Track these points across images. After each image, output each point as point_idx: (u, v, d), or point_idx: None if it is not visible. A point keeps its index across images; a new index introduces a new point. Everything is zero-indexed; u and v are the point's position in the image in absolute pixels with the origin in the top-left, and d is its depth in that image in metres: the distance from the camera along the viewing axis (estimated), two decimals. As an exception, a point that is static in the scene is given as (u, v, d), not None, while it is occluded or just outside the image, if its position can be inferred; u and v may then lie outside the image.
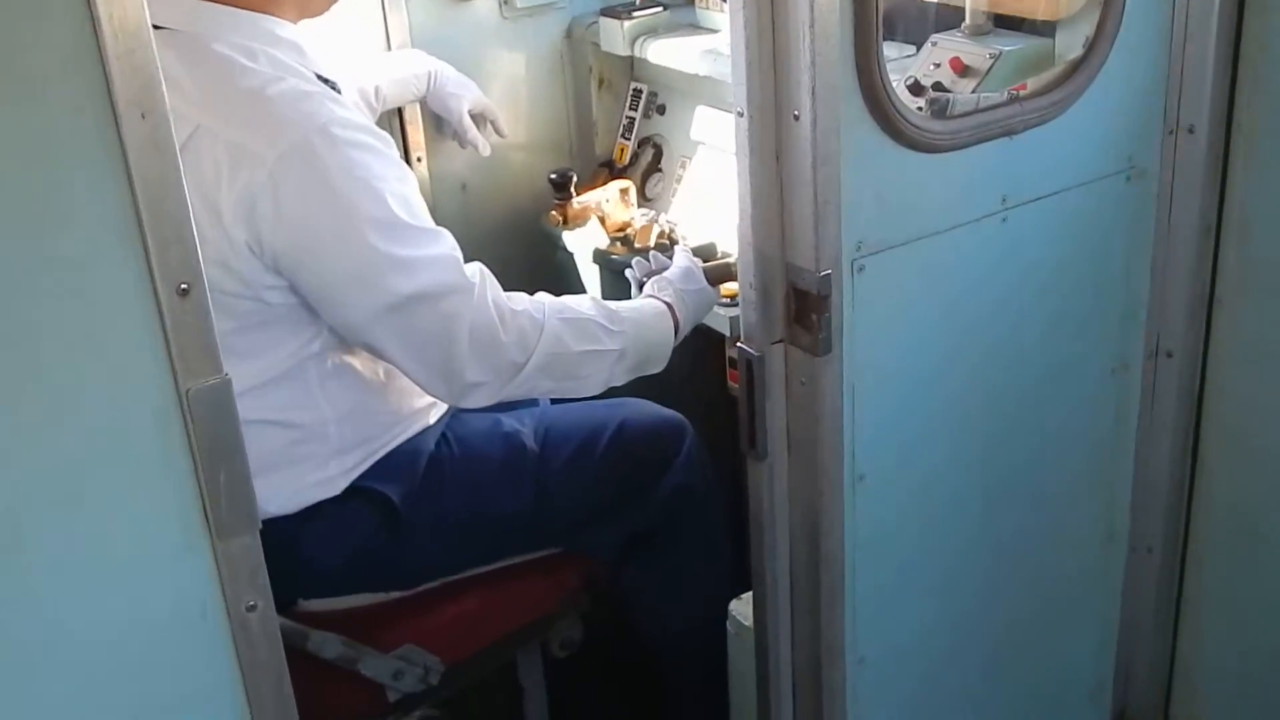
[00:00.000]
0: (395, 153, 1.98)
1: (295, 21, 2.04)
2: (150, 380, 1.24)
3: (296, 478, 2.09)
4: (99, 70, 1.13)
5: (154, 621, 1.34)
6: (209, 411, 1.27)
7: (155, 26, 1.88)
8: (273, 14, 2.00)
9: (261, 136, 1.84)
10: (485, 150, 2.90)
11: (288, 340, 2.02)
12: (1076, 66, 1.90)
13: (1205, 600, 2.30)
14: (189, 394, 1.25)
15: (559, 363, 2.07)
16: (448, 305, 1.95)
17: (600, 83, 3.11)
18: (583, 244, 2.82)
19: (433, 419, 2.24)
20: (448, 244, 1.99)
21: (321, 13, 2.10)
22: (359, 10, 2.73)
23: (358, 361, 2.11)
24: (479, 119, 2.89)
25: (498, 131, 2.93)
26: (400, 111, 2.88)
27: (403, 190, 1.94)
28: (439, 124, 2.93)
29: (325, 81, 2.01)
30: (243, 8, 1.96)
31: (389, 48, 2.84)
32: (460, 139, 2.88)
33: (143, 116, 1.15)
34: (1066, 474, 2.17)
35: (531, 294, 2.13)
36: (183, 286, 1.22)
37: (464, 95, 2.85)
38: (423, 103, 2.86)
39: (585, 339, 2.10)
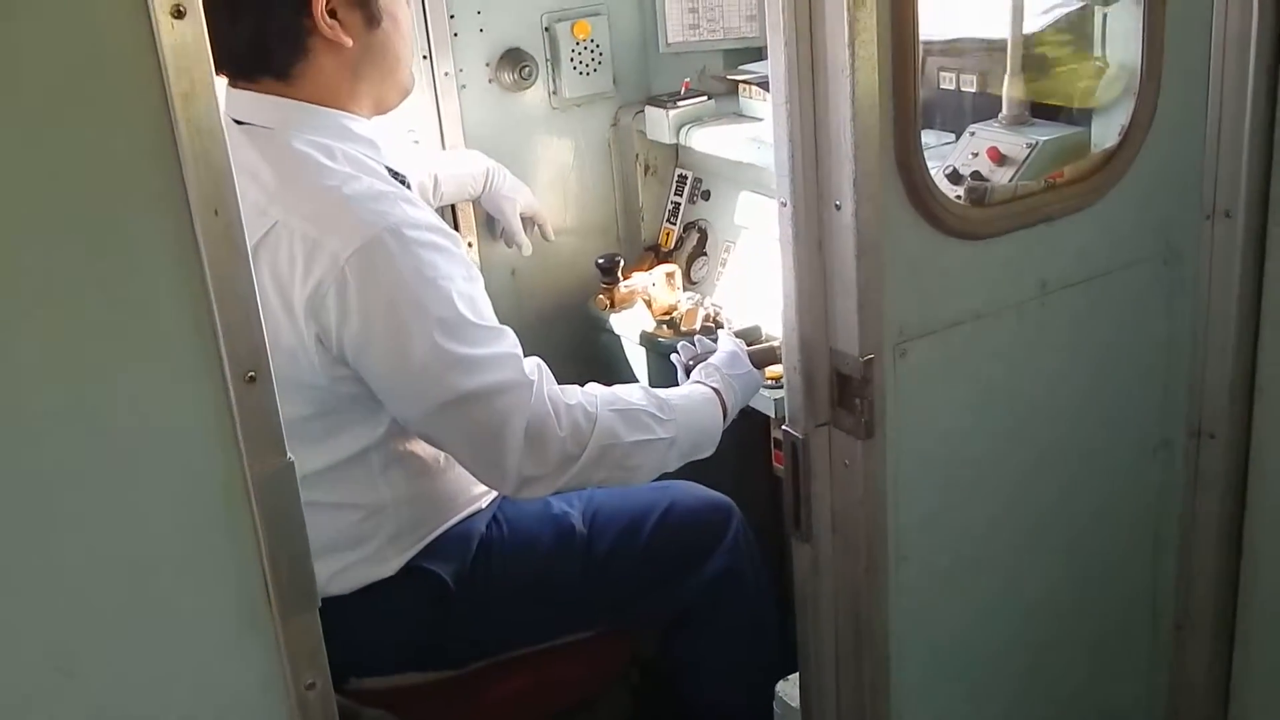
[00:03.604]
0: (463, 251, 2.05)
1: (370, 117, 2.12)
2: (218, 464, 1.28)
3: (354, 559, 2.14)
4: (175, 169, 1.18)
5: (216, 698, 1.37)
6: (273, 494, 1.31)
7: (239, 122, 2.01)
8: (350, 111, 2.08)
9: (336, 234, 1.90)
10: (527, 250, 2.97)
11: (354, 427, 2.08)
12: (1112, 154, 1.93)
13: (1253, 679, 2.28)
14: (254, 477, 1.30)
15: (612, 454, 2.11)
16: (506, 402, 2.00)
17: (646, 169, 3.18)
18: (629, 327, 2.86)
19: (485, 503, 2.29)
20: (509, 342, 2.04)
21: (394, 108, 2.19)
22: (413, 100, 2.81)
23: (419, 449, 2.16)
24: (528, 221, 2.97)
25: (544, 235, 3.01)
26: (453, 201, 2.96)
27: (469, 290, 2.00)
28: (489, 222, 3.01)
29: (396, 175, 2.09)
30: (322, 105, 2.05)
31: (442, 135, 2.91)
32: (508, 239, 2.96)
33: (216, 213, 1.20)
34: (1110, 553, 2.17)
35: (580, 378, 2.17)
36: (250, 375, 1.26)
37: (516, 199, 2.92)
38: (476, 201, 2.94)
39: (637, 429, 2.14)
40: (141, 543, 1.28)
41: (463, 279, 1.99)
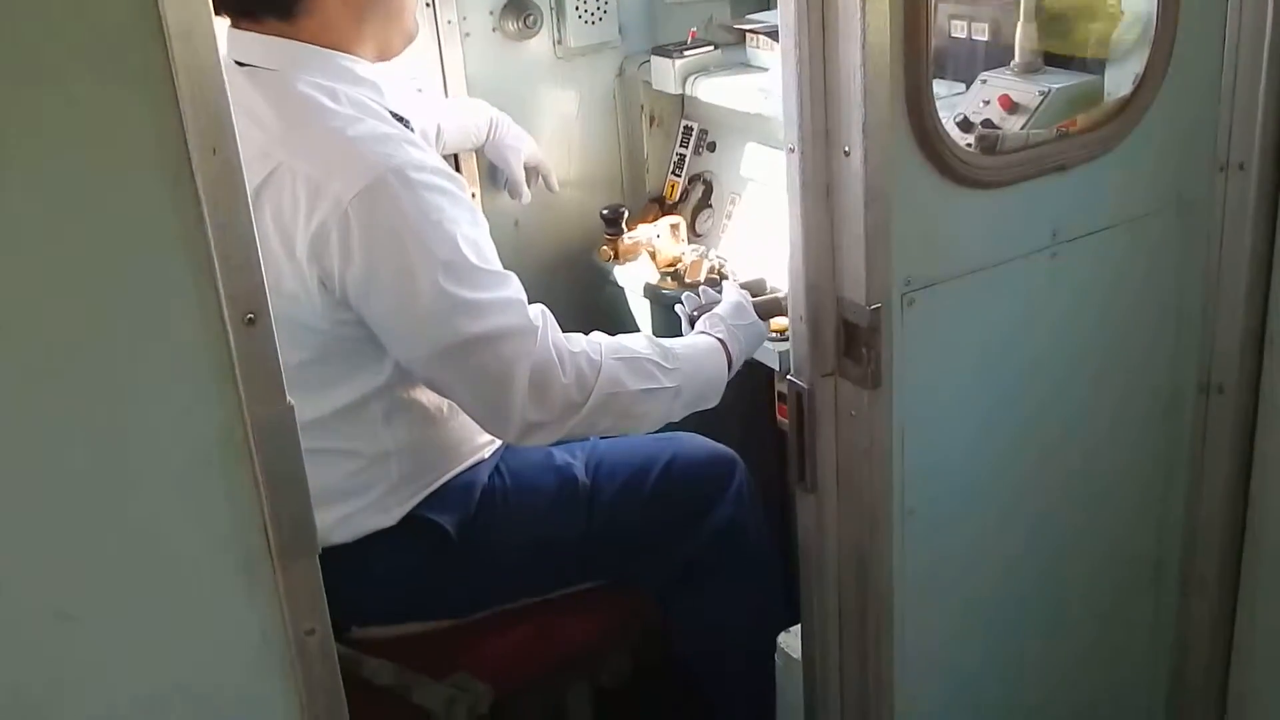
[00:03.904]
0: (468, 195, 2.04)
1: (373, 61, 2.10)
2: (217, 407, 1.27)
3: (356, 508, 2.13)
4: (173, 107, 1.16)
5: (216, 644, 1.37)
6: (273, 438, 1.29)
7: (240, 64, 1.99)
8: (353, 53, 2.06)
9: (339, 176, 1.88)
10: (527, 199, 2.96)
11: (357, 373, 2.06)
12: (1126, 104, 1.91)
13: (1257, 636, 2.27)
14: (254, 421, 1.28)
15: (617, 402, 2.09)
16: (510, 347, 1.98)
17: (651, 120, 3.15)
18: (634, 279, 2.85)
19: (487, 453, 2.28)
20: (514, 287, 2.02)
21: (396, 55, 2.17)
22: (416, 48, 2.78)
23: (422, 396, 2.15)
24: (531, 172, 2.94)
25: (548, 186, 2.99)
26: (455, 150, 2.93)
27: (473, 233, 1.98)
28: (492, 172, 2.98)
29: (399, 119, 2.07)
30: (325, 47, 2.02)
31: (445, 85, 2.89)
32: (511, 189, 2.93)
33: (214, 152, 1.18)
34: (1116, 505, 2.17)
35: (584, 329, 2.16)
36: (249, 316, 1.25)
37: (520, 148, 2.90)
38: (479, 150, 2.91)
39: (642, 378, 2.12)
40: (139, 488, 1.26)
41: (468, 223, 1.97)
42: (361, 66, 2.07)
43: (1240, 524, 2.22)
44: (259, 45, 2.01)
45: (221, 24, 2.00)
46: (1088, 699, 2.31)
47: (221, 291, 1.23)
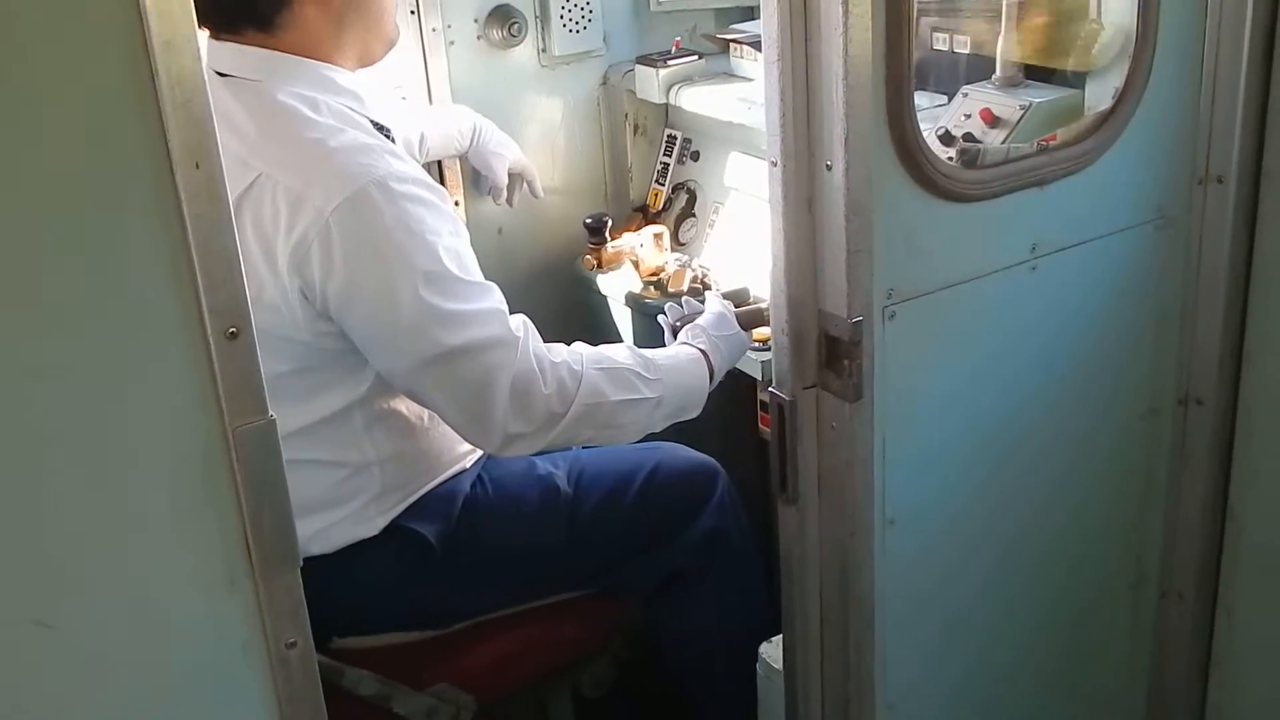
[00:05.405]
0: (449, 206, 2.03)
1: (354, 70, 2.10)
2: (198, 420, 1.26)
3: (337, 518, 2.13)
4: (156, 120, 1.16)
5: (195, 656, 1.36)
6: (254, 451, 1.29)
7: (221, 74, 1.98)
8: (334, 62, 2.06)
9: (320, 187, 1.88)
10: (512, 204, 2.97)
11: (337, 384, 2.06)
12: (1106, 118, 1.92)
13: (1236, 647, 2.29)
14: (235, 434, 1.28)
15: (598, 412, 2.09)
16: (491, 358, 1.98)
17: (635, 129, 3.16)
18: (616, 287, 2.85)
19: (469, 462, 2.28)
20: (495, 298, 2.02)
21: (378, 61, 2.16)
22: (401, 56, 2.79)
23: (403, 406, 2.15)
24: (516, 178, 2.95)
25: (533, 192, 2.99)
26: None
27: (455, 244, 1.98)
28: (476, 178, 2.99)
29: (380, 128, 2.07)
30: (306, 56, 2.02)
31: (429, 93, 2.89)
32: (496, 195, 2.94)
33: (197, 166, 1.18)
34: (1096, 518, 2.18)
35: (566, 338, 2.16)
36: (231, 330, 1.25)
37: (505, 155, 2.90)
38: (463, 157, 2.91)
39: (623, 388, 2.12)
40: (120, 500, 1.26)
41: (449, 233, 1.97)
42: (342, 76, 2.07)
43: (1219, 536, 2.23)
44: (239, 55, 2.00)
45: (201, 36, 2.00)
46: (1068, 710, 2.32)
47: (204, 306, 1.22)
